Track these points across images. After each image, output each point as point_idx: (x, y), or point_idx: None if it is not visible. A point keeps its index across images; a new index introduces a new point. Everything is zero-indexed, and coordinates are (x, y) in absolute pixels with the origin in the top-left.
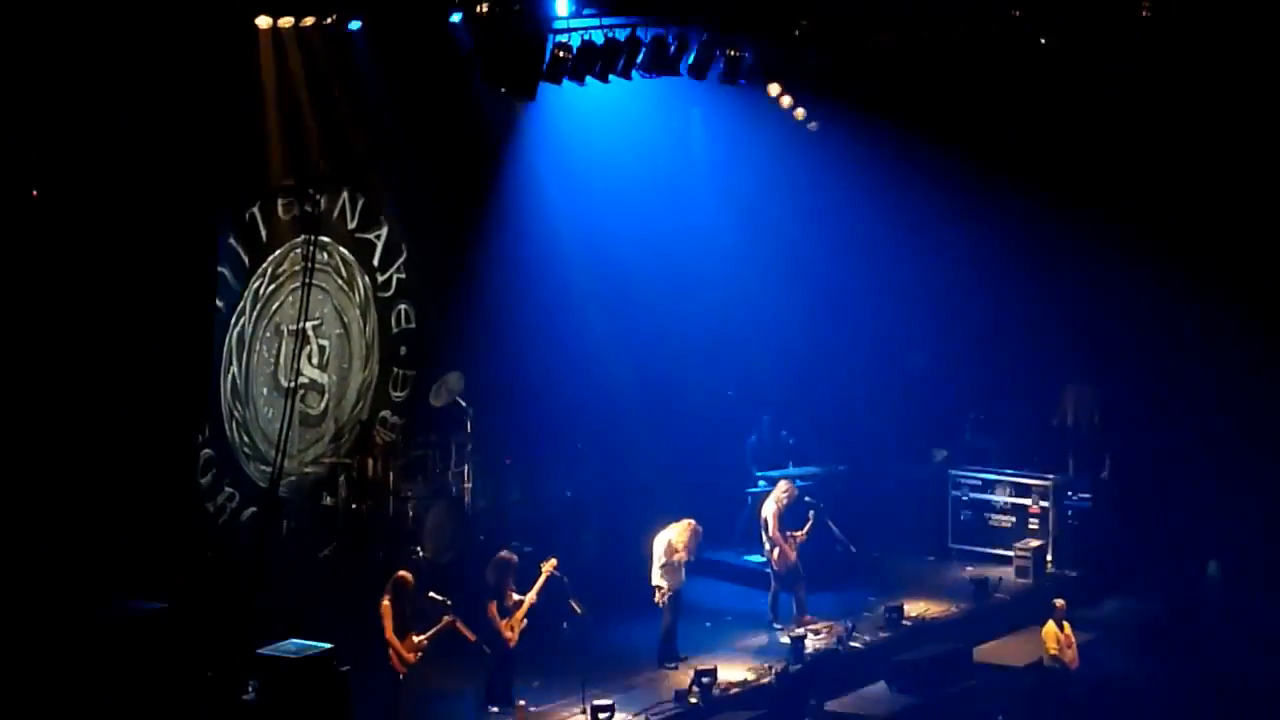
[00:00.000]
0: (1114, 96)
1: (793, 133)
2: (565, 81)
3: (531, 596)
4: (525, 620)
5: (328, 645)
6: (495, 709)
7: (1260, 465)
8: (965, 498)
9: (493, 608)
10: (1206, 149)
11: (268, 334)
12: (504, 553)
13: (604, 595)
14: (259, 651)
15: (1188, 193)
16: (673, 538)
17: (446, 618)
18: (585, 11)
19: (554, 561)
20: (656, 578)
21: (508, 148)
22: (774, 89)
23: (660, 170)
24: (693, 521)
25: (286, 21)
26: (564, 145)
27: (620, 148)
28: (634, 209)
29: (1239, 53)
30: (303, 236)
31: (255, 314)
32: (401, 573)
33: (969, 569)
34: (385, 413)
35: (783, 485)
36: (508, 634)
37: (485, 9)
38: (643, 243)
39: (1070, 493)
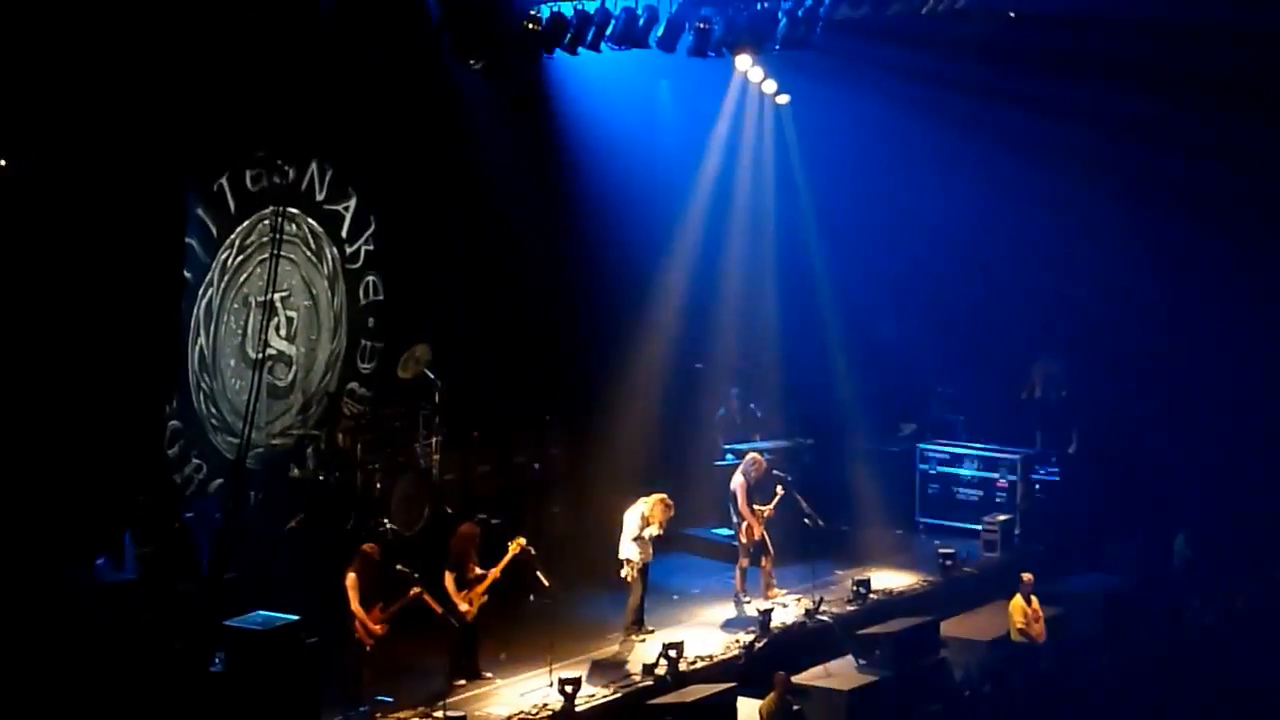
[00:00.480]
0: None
1: (761, 105)
2: (535, 53)
3: (495, 573)
4: (486, 596)
5: (295, 617)
6: (462, 682)
7: (1227, 438)
8: (933, 471)
9: (449, 580)
10: (1177, 120)
11: (236, 305)
12: (466, 525)
13: (571, 568)
14: (226, 623)
15: (1155, 163)
16: (645, 511)
17: (413, 590)
18: None
19: (522, 541)
20: (626, 550)
21: (477, 120)
22: (743, 62)
23: (630, 141)
24: (665, 496)
25: None
26: (534, 116)
27: (591, 118)
28: (604, 180)
29: None
30: (271, 208)
31: (223, 285)
32: (367, 545)
33: (937, 543)
34: (353, 384)
35: (751, 458)
36: (465, 607)
37: None
38: (616, 212)
39: (1038, 467)
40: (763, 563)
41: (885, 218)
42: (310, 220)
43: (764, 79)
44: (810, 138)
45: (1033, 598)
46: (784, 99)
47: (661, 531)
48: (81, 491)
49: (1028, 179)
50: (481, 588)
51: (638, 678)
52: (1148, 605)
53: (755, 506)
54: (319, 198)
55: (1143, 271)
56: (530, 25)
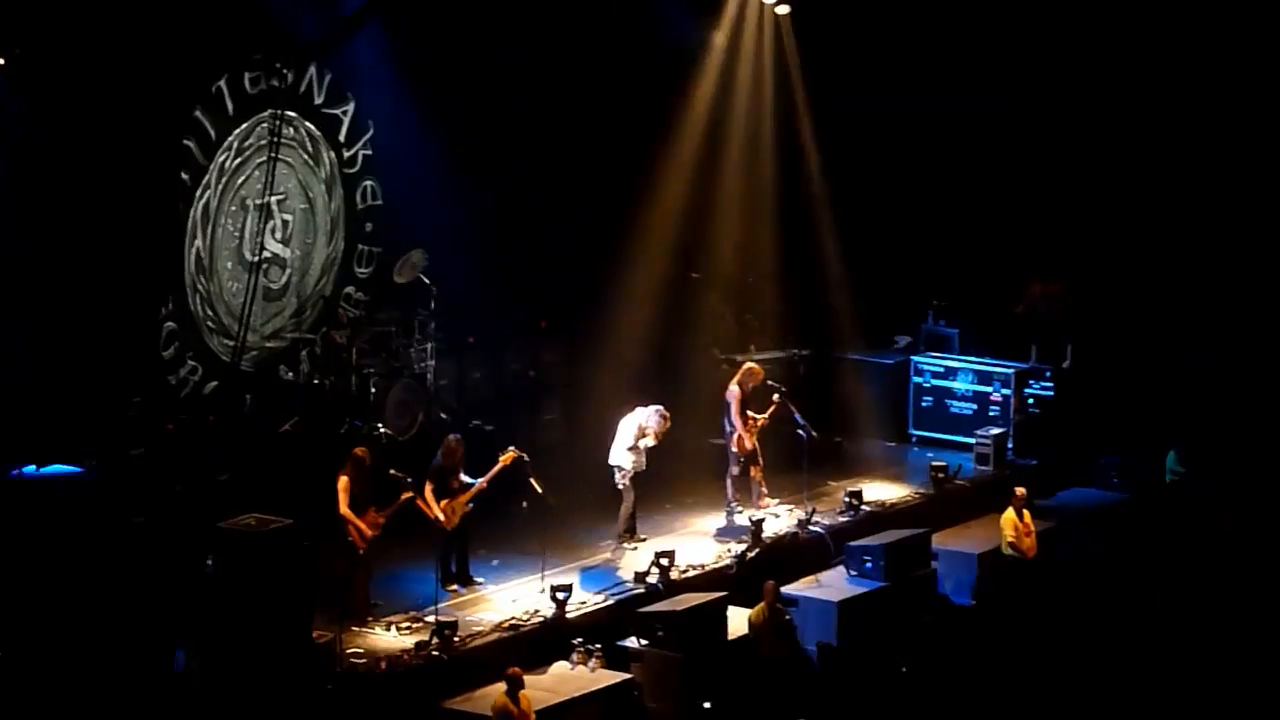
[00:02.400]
0: None
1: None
2: None
3: (482, 483)
4: (470, 505)
5: (289, 520)
6: (454, 587)
7: (1221, 356)
8: (927, 384)
9: (428, 489)
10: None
11: (233, 208)
12: (451, 438)
13: (565, 475)
14: (219, 525)
15: (1155, 84)
16: (642, 421)
17: (406, 494)
18: None
19: (513, 453)
20: (618, 458)
21: (475, 20)
22: None
23: (631, 43)
24: (661, 408)
25: None
26: (534, 16)
27: (591, 20)
28: (604, 83)
29: None
30: (269, 111)
31: (221, 187)
32: (359, 448)
33: (929, 456)
34: (349, 289)
35: (746, 368)
36: (443, 516)
37: None
38: (615, 116)
39: (1032, 381)
40: (753, 472)
41: (879, 125)
42: (308, 124)
43: None
44: (809, 48)
45: (1025, 512)
46: (784, 9)
47: (656, 443)
48: (77, 391)
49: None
50: (465, 498)
51: (630, 585)
52: (1140, 520)
53: (749, 415)
54: (317, 101)
55: (1145, 189)
56: None
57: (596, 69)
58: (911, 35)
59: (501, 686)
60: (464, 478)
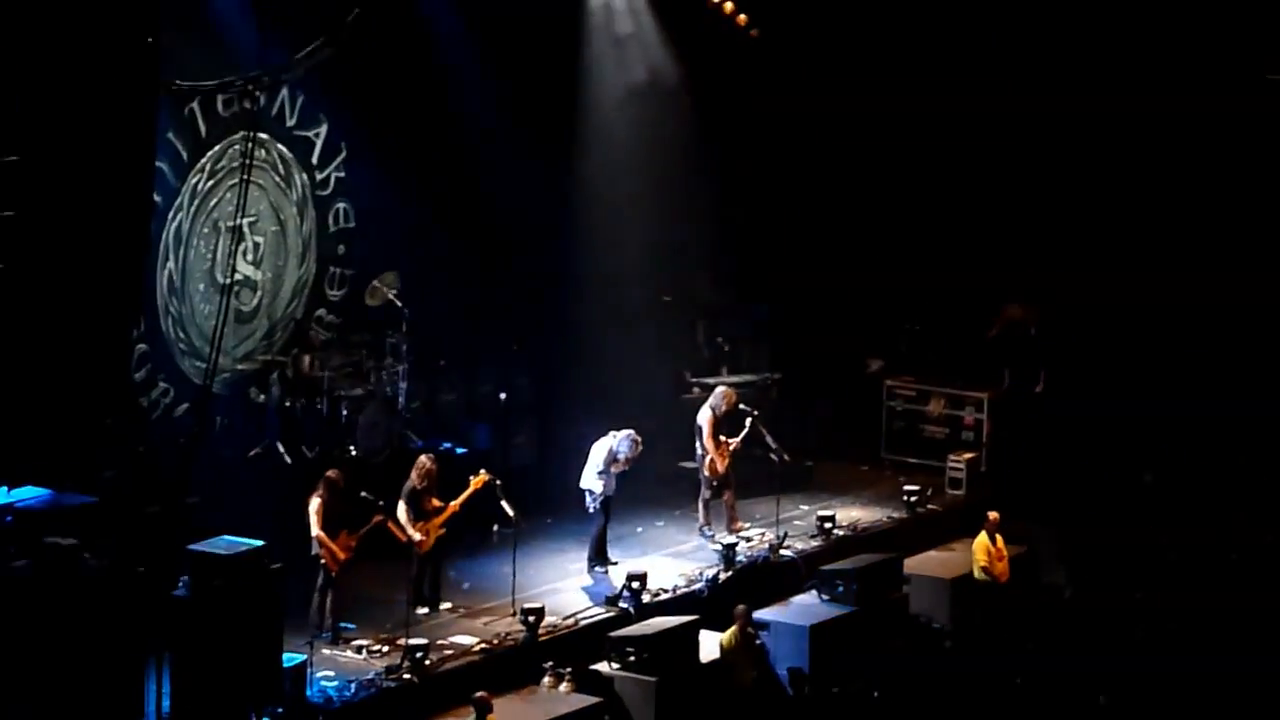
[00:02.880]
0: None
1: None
2: None
3: (455, 506)
4: (444, 528)
5: (260, 543)
6: (424, 610)
7: (1197, 377)
8: (900, 408)
9: (403, 511)
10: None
11: (205, 230)
12: (424, 458)
13: (536, 499)
14: (190, 547)
15: (1130, 106)
16: (614, 446)
17: (378, 517)
18: None
19: (484, 475)
20: (588, 481)
21: (448, 48)
22: None
23: (601, 71)
24: (633, 432)
25: None
26: (505, 43)
27: (563, 46)
28: (576, 109)
29: None
30: (242, 133)
31: (193, 210)
32: (331, 471)
33: (902, 480)
34: (321, 311)
35: (720, 392)
36: (419, 537)
37: None
38: (586, 140)
39: (1005, 405)
40: (725, 496)
41: (858, 152)
42: (280, 146)
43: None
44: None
45: (997, 536)
46: (755, 33)
47: (628, 468)
48: (48, 413)
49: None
50: (439, 520)
51: (601, 609)
52: (1112, 544)
53: (721, 439)
54: (290, 123)
55: (1116, 210)
56: None
57: (564, 89)
58: (883, 55)
59: (470, 713)
60: (436, 501)
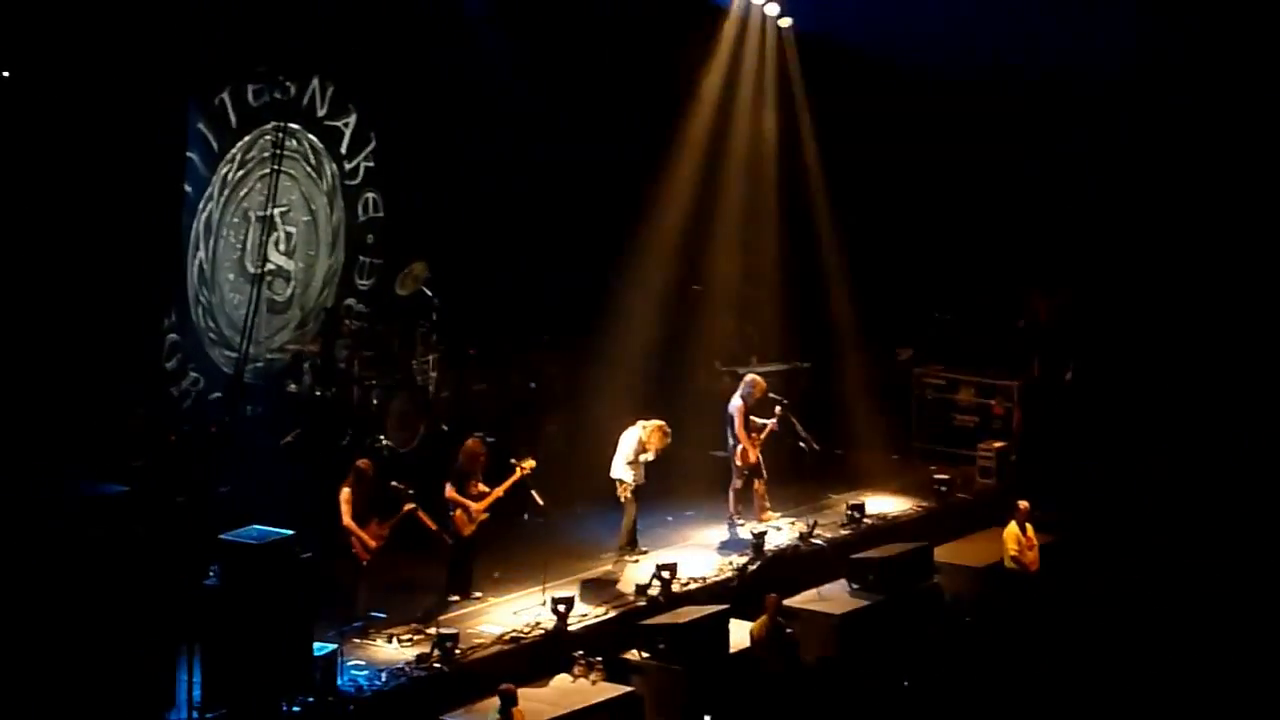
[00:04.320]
0: None
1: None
2: None
3: (499, 491)
4: (486, 514)
5: (290, 532)
6: (455, 599)
7: (1225, 368)
8: (929, 397)
9: (451, 490)
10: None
11: (235, 220)
12: (473, 441)
13: (566, 488)
14: (221, 537)
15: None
16: (643, 435)
17: (408, 506)
18: None
19: (532, 463)
20: (618, 471)
21: (477, 35)
22: None
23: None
24: (663, 423)
25: None
26: (535, 30)
27: (592, 33)
28: (605, 97)
29: None
30: (272, 123)
31: (223, 200)
32: (362, 460)
33: (932, 468)
34: (351, 300)
35: (749, 380)
36: (466, 522)
37: None
38: (616, 129)
39: (1035, 394)
40: (756, 485)
41: (886, 135)
42: (310, 136)
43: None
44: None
45: (1027, 525)
46: (786, 22)
47: (656, 457)
48: (79, 403)
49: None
50: (483, 505)
51: (630, 598)
52: (1141, 534)
53: (751, 428)
54: (320, 113)
55: (1148, 200)
56: None
57: (599, 79)
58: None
59: (495, 702)
60: (482, 485)
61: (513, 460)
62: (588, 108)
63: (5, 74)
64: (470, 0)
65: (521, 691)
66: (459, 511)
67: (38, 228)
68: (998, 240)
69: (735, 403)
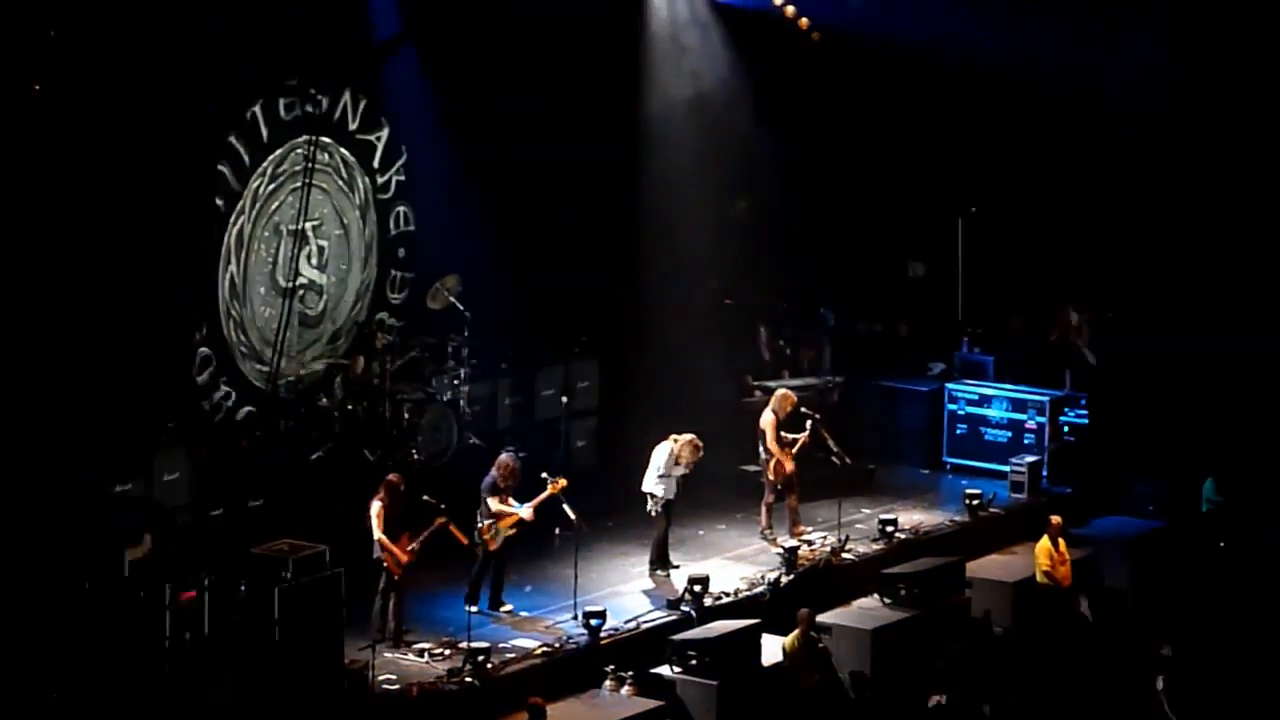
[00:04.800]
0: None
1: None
2: None
3: (528, 513)
4: (513, 529)
5: (321, 545)
6: (473, 609)
7: (1258, 382)
8: (961, 412)
9: (493, 501)
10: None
11: (266, 233)
12: (507, 456)
13: (597, 502)
14: (252, 550)
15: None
16: (675, 449)
17: (439, 519)
18: None
19: (564, 482)
20: (650, 485)
21: (507, 47)
22: None
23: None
24: (695, 437)
25: None
26: (565, 42)
27: (626, 47)
28: (637, 112)
29: None
30: (304, 136)
31: (254, 213)
32: (393, 474)
33: (964, 483)
34: (382, 314)
35: (778, 394)
36: (488, 536)
37: None
38: (647, 143)
39: (1067, 409)
40: (788, 500)
41: (918, 153)
42: (342, 150)
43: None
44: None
45: (1060, 540)
46: (817, 36)
47: (689, 472)
48: (111, 416)
49: None
50: (509, 521)
51: (662, 612)
52: (1175, 550)
53: (783, 442)
54: (351, 127)
55: (1177, 213)
56: None
57: (629, 94)
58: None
59: (525, 717)
60: (512, 500)
61: (544, 475)
62: (618, 118)
63: (36, 87)
64: (498, 13)
65: (552, 706)
66: (486, 525)
67: (71, 240)
68: (1030, 255)
69: (766, 417)
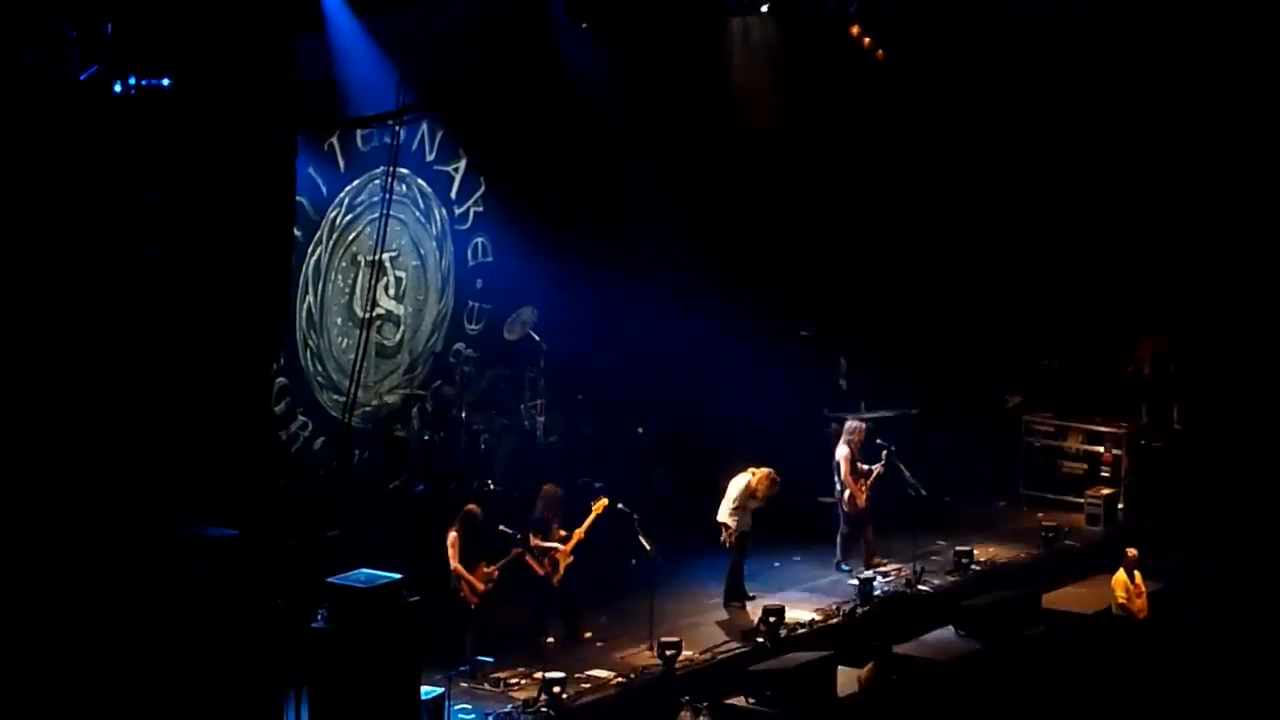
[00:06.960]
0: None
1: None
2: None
3: (579, 534)
4: (572, 556)
5: (398, 575)
6: (550, 640)
7: None
8: (1037, 444)
9: (536, 539)
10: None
11: (344, 264)
12: (549, 486)
13: (673, 533)
14: (329, 580)
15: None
16: (752, 482)
17: (516, 550)
18: None
19: (605, 501)
20: (725, 516)
21: (586, 82)
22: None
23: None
24: (772, 470)
25: None
26: (643, 79)
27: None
28: (711, 142)
29: None
30: (381, 167)
31: (332, 243)
32: (471, 505)
33: (1040, 515)
34: (459, 345)
35: (851, 426)
36: (544, 570)
37: None
38: (724, 172)
39: (1143, 441)
40: (864, 531)
41: (987, 185)
42: (420, 180)
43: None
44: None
45: (1136, 573)
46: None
47: (764, 505)
48: (189, 447)
49: None
50: (567, 548)
51: (737, 643)
52: (1253, 584)
53: (859, 474)
54: (429, 158)
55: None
56: None
57: (699, 123)
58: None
59: None
60: (561, 531)
61: (604, 500)
62: (693, 149)
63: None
64: (576, 45)
65: None
66: (545, 559)
67: (150, 272)
68: (1106, 287)
69: (841, 449)
